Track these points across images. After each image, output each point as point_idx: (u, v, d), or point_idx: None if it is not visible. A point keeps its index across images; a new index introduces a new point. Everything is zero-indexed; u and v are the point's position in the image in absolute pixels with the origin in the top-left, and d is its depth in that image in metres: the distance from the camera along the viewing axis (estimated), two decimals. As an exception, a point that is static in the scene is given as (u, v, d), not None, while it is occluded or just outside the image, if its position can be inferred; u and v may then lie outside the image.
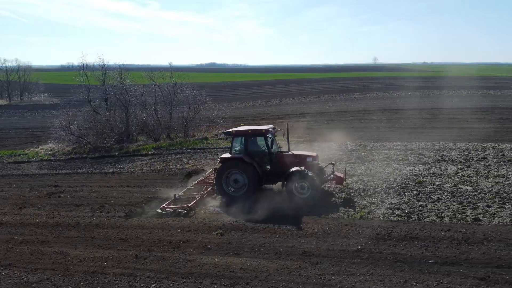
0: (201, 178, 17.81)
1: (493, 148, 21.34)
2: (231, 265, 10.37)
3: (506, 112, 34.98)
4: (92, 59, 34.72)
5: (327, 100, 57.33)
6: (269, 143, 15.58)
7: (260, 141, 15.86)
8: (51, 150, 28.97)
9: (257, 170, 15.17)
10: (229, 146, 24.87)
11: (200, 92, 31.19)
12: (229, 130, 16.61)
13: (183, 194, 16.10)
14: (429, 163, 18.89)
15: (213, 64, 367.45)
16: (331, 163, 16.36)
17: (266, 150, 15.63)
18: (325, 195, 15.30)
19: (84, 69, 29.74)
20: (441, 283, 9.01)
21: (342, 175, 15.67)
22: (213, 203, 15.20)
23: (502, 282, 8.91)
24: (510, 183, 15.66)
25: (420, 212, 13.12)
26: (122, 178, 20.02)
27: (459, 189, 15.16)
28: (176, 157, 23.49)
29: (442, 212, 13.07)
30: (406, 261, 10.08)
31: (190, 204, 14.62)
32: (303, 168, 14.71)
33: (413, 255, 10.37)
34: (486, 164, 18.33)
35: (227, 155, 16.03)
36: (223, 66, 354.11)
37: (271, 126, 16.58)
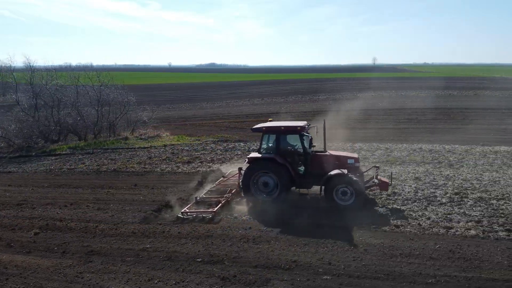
0: (221, 178, 16.29)
1: (387, 148, 21.27)
2: (11, 262, 10.42)
3: (441, 112, 34.79)
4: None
5: (292, 101, 57.30)
6: (305, 142, 13.91)
7: (294, 139, 14.18)
8: (-20, 149, 29.31)
9: (291, 172, 13.64)
10: (144, 146, 25.34)
11: (124, 93, 31.15)
12: (258, 126, 14.58)
13: (204, 196, 14.47)
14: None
15: (213, 64, 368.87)
16: (375, 166, 14.84)
17: (301, 150, 13.92)
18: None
19: (12, 70, 29.98)
20: (182, 281, 9.04)
21: (387, 180, 13.94)
22: (240, 208, 13.60)
23: (241, 283, 8.89)
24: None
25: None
26: (12, 178, 20.11)
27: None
28: (81, 157, 23.60)
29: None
30: (176, 259, 10.10)
31: (216, 209, 13.05)
32: (345, 171, 13.18)
33: (188, 253, 10.41)
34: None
35: (256, 154, 14.28)
36: (223, 66, 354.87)
37: (305, 122, 14.76)
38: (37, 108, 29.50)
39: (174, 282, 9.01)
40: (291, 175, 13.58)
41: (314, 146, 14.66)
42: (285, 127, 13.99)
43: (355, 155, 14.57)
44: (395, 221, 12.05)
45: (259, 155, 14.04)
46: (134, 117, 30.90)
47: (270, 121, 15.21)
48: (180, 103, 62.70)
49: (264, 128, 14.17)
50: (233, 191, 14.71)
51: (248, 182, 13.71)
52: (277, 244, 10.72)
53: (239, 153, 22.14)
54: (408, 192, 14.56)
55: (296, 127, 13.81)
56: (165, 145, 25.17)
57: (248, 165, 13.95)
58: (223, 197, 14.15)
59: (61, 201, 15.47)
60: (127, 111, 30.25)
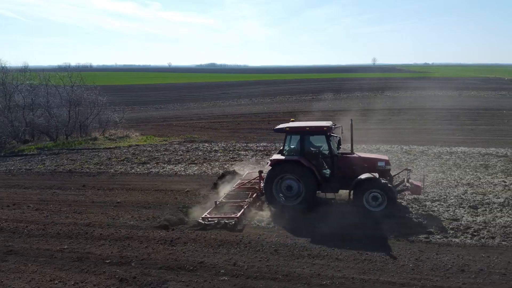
0: (239, 181, 15.54)
1: (344, 149, 21.28)
2: None
3: (415, 113, 34.72)
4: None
5: (279, 101, 57.37)
6: (331, 143, 13.24)
7: (320, 140, 13.58)
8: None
9: (316, 176, 12.92)
10: (109, 147, 25.42)
11: (94, 94, 31.16)
12: (281, 126, 13.80)
13: (224, 200, 13.81)
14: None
15: (213, 64, 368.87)
16: (406, 169, 14.15)
17: (328, 152, 13.32)
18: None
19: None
20: (82, 282, 9.11)
21: (419, 184, 13.07)
22: (262, 213, 13.00)
23: (137, 285, 8.93)
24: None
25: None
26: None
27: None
28: (45, 157, 23.66)
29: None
30: (86, 260, 10.16)
31: (239, 214, 12.36)
32: (376, 175, 12.49)
33: (101, 254, 10.47)
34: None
35: (279, 156, 13.40)
36: (223, 66, 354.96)
37: (331, 122, 14.03)
38: (10, 108, 29.60)
39: (73, 283, 9.08)
40: (317, 179, 12.85)
41: (340, 147, 13.90)
42: (310, 127, 13.30)
43: (386, 157, 13.77)
44: (319, 222, 12.08)
45: (283, 157, 13.21)
46: (105, 117, 30.94)
47: (292, 121, 14.51)
48: (169, 103, 62.89)
49: (287, 129, 13.42)
50: (254, 195, 13.99)
51: (271, 186, 12.95)
52: (192, 246, 10.79)
53: (200, 153, 22.22)
54: (345, 193, 14.51)
55: (322, 127, 13.11)
56: (130, 146, 25.27)
57: (270, 168, 13.16)
58: (244, 201, 13.45)
59: (6, 202, 15.54)
60: (99, 111, 30.30)
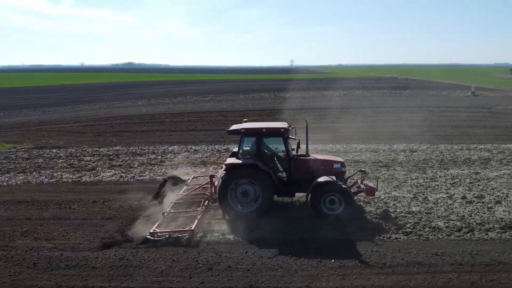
0: (185, 187, 14.41)
1: (189, 151, 21.64)
2: None
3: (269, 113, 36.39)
4: None
5: (177, 102, 56.80)
6: (288, 145, 12.80)
7: (277, 142, 13.06)
8: None
9: (274, 179, 12.40)
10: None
11: None
12: (235, 128, 13.11)
13: (172, 210, 12.58)
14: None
15: (131, 64, 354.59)
16: (360, 170, 14.06)
17: (284, 154, 12.88)
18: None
19: None
20: None
21: (374, 186, 13.08)
22: (219, 225, 12.14)
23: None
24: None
25: None
26: None
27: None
28: None
29: None
30: None
31: (193, 226, 11.31)
32: (334, 177, 12.27)
33: None
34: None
35: (234, 160, 12.67)
36: (141, 66, 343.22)
37: (286, 123, 13.40)
38: None
39: None
40: (274, 183, 12.44)
41: (293, 149, 13.48)
42: (267, 128, 12.80)
43: (341, 159, 13.71)
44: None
45: (239, 161, 12.52)
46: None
47: (245, 121, 13.80)
48: (63, 106, 58.95)
49: (242, 130, 12.75)
50: (206, 202, 13.19)
51: (226, 192, 12.25)
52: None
53: (40, 161, 21.03)
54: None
55: (279, 128, 12.69)
56: (-31, 155, 23.14)
57: (225, 172, 12.45)
58: (196, 210, 12.55)
59: None
60: None
